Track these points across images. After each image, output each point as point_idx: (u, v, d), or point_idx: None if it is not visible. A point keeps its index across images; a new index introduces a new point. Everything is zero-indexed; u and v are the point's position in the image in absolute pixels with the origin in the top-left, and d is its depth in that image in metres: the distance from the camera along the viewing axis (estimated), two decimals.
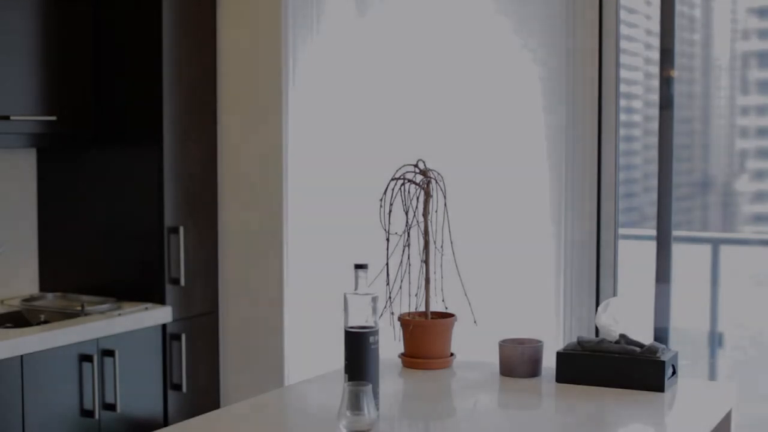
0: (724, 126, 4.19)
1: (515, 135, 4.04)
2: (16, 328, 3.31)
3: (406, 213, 2.60)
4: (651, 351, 2.37)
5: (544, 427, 2.22)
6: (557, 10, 3.92)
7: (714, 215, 4.57)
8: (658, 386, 2.34)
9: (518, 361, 2.49)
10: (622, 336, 2.46)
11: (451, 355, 2.63)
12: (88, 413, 3.31)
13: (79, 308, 3.45)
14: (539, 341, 2.56)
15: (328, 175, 3.88)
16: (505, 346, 2.52)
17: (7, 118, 3.32)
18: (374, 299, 2.15)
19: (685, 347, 3.98)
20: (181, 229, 3.66)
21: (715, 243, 4.72)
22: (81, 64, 3.63)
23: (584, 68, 3.89)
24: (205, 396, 3.82)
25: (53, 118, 3.47)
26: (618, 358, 2.38)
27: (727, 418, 2.37)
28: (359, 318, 2.14)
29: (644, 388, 2.34)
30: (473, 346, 2.92)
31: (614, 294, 3.83)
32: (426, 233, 2.59)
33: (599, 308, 2.49)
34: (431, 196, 2.59)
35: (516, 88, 4.03)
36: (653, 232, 3.87)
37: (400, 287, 2.59)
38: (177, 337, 3.66)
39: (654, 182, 3.82)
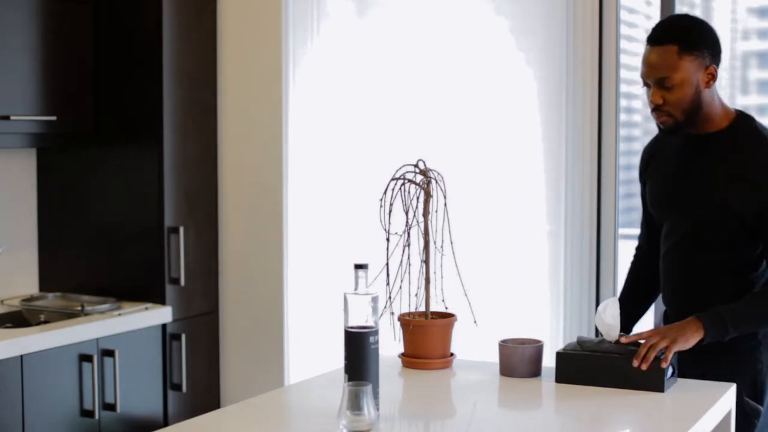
0: None
1: (515, 135, 4.04)
2: (16, 328, 3.31)
3: (406, 213, 2.60)
4: None
5: (544, 427, 2.22)
6: (557, 10, 3.92)
7: None
8: (657, 386, 2.34)
9: (518, 361, 2.49)
10: (622, 336, 2.46)
11: (451, 355, 2.63)
12: (88, 413, 3.31)
13: (79, 308, 3.45)
14: (539, 341, 2.56)
15: (328, 175, 3.88)
16: (505, 346, 2.52)
17: (7, 118, 3.32)
18: (374, 299, 2.15)
19: None
20: (181, 229, 3.66)
21: None
22: (81, 64, 3.63)
23: (584, 68, 3.89)
24: (205, 396, 3.82)
25: (53, 118, 3.47)
26: (618, 358, 2.38)
27: (727, 418, 2.37)
28: (359, 318, 2.14)
29: (644, 388, 2.34)
30: (473, 346, 2.93)
31: (614, 294, 3.83)
32: (426, 233, 2.59)
33: (599, 308, 2.49)
34: (431, 196, 2.59)
35: (516, 89, 4.03)
36: None
37: (400, 287, 2.59)
38: (177, 337, 3.66)
39: None
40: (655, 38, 2.52)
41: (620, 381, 2.36)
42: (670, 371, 2.37)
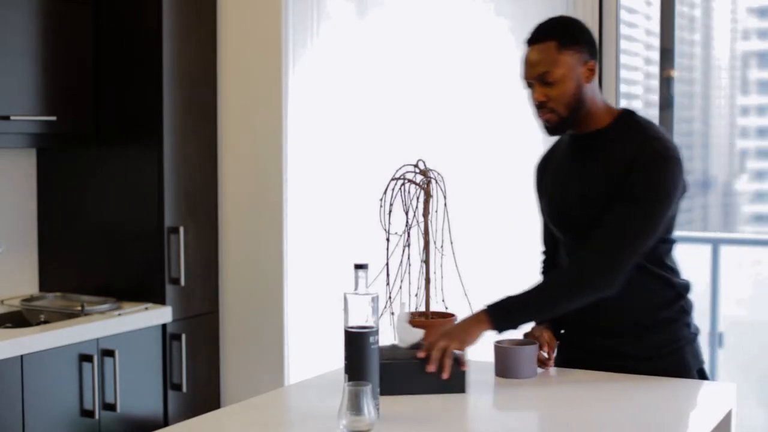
0: (724, 126, 4.20)
1: (515, 135, 4.05)
2: (16, 328, 3.31)
3: (406, 213, 2.60)
4: None
5: (542, 427, 2.22)
6: (557, 10, 3.92)
7: (714, 215, 4.58)
8: (459, 388, 2.32)
9: (514, 362, 2.49)
10: (420, 342, 2.44)
11: None
12: (88, 413, 3.31)
13: (79, 308, 3.45)
14: (535, 342, 2.56)
15: (328, 174, 3.88)
16: (500, 346, 2.52)
17: (7, 118, 3.32)
18: (374, 299, 2.15)
19: None
20: (181, 229, 3.66)
21: (715, 243, 4.73)
22: (81, 63, 3.63)
23: None
24: (205, 396, 3.82)
25: (53, 118, 3.47)
26: (418, 364, 2.34)
27: (727, 419, 2.37)
28: (359, 318, 2.14)
29: (447, 391, 2.31)
30: (473, 346, 2.92)
31: None
32: (426, 233, 2.59)
33: (398, 314, 2.47)
34: (431, 196, 2.59)
35: (516, 89, 4.03)
36: None
37: (400, 287, 2.59)
38: (177, 337, 3.66)
39: None
40: (534, 37, 2.55)
41: (423, 387, 2.33)
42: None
